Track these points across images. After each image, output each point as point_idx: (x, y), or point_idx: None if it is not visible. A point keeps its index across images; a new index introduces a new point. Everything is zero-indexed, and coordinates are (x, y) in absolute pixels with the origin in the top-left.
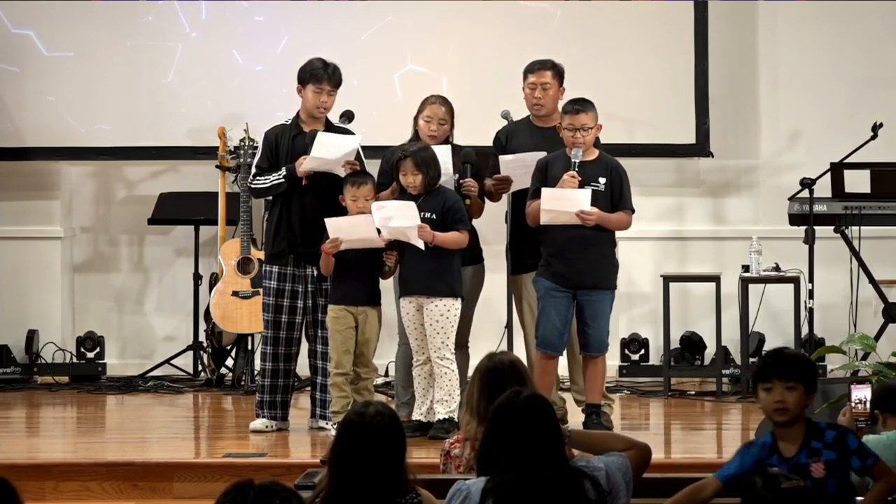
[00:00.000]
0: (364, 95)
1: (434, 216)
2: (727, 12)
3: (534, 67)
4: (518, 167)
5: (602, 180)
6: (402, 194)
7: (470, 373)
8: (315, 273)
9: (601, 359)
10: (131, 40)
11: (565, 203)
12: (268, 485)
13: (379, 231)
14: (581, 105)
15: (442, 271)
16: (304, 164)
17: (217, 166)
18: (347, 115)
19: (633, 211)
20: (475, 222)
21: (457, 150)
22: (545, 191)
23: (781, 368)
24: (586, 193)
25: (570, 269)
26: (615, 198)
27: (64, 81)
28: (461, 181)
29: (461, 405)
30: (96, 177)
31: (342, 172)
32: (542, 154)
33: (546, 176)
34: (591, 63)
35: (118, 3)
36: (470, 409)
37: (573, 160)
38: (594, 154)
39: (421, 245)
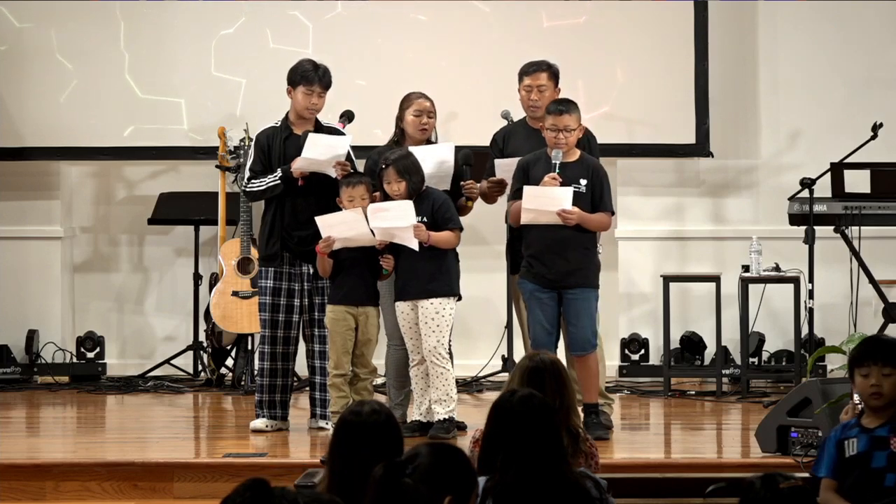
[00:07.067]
0: (362, 95)
1: (425, 219)
2: (727, 12)
3: (529, 69)
4: (513, 170)
5: (583, 182)
6: (387, 200)
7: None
8: (311, 271)
9: (591, 357)
10: (132, 40)
11: (546, 202)
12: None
13: (373, 232)
14: (565, 106)
15: (436, 271)
16: (295, 164)
17: (217, 166)
18: (347, 116)
19: (612, 213)
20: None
21: (455, 151)
22: (527, 188)
23: (879, 354)
24: (567, 192)
25: (551, 270)
26: (595, 199)
27: (64, 81)
28: (462, 183)
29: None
30: (96, 177)
31: (333, 173)
32: None
33: (527, 176)
34: (591, 63)
35: (118, 2)
36: None
37: (554, 161)
38: (575, 155)
39: (415, 246)
